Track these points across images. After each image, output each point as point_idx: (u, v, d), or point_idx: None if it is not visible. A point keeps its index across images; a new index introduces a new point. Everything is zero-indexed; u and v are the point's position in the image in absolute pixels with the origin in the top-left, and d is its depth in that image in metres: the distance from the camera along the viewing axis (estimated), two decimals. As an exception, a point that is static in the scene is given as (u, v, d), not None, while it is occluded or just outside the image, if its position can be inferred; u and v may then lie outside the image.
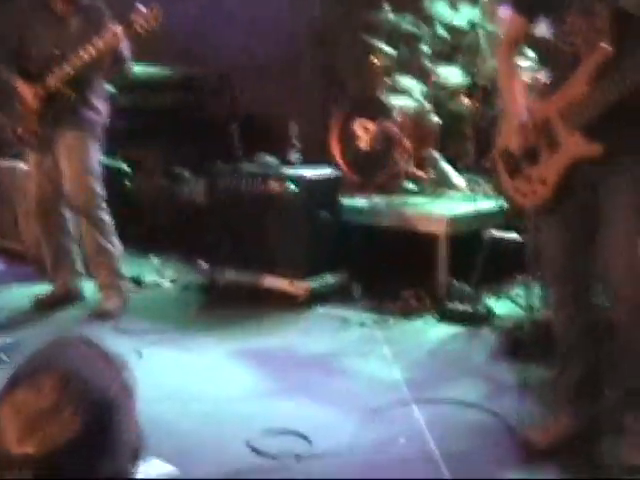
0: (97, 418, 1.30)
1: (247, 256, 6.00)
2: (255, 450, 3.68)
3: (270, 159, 6.20)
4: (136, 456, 1.41)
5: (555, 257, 3.65)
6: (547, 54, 3.80)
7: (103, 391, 1.34)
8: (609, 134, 3.27)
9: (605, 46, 3.20)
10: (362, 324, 5.44)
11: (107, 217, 5.62)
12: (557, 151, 3.43)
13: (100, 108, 5.54)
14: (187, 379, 4.57)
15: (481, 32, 6.67)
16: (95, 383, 1.34)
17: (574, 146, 3.37)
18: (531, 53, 6.10)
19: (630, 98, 3.17)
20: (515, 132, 3.55)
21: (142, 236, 7.14)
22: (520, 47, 3.91)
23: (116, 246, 5.68)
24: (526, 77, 5.75)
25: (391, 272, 6.16)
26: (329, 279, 5.93)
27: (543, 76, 5.37)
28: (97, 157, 5.57)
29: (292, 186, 5.83)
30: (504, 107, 3.79)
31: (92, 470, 1.29)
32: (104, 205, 5.59)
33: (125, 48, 5.36)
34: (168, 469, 3.44)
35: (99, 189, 5.55)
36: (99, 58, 5.25)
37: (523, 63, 6.03)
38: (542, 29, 3.75)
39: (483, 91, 6.51)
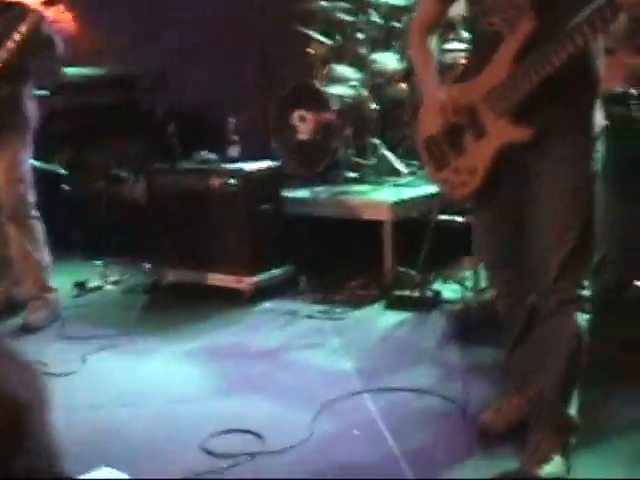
0: (9, 419, 1.29)
1: (191, 254, 5.94)
2: (208, 451, 3.63)
3: (209, 155, 6.13)
4: (52, 467, 1.39)
5: (489, 245, 3.54)
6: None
7: (15, 394, 1.32)
8: (538, 116, 3.10)
9: (527, 23, 3.01)
10: (310, 316, 5.41)
11: (38, 226, 5.46)
12: (484, 138, 3.23)
13: (29, 112, 5.39)
14: (135, 382, 4.50)
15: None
16: (7, 386, 1.32)
17: (502, 131, 3.17)
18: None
19: (556, 77, 2.98)
20: (434, 119, 3.36)
21: (83, 239, 7.04)
22: (437, 29, 3.53)
23: (44, 257, 5.50)
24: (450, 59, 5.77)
25: (337, 262, 6.16)
26: (275, 273, 5.89)
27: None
28: (27, 163, 5.39)
29: (232, 181, 5.77)
30: (422, 94, 3.50)
31: (5, 470, 1.28)
32: (34, 213, 5.42)
33: (55, 35, 5.23)
34: (120, 476, 3.38)
35: (29, 196, 5.38)
36: (26, 41, 5.08)
37: (459, 45, 6.04)
38: (457, 9, 3.57)
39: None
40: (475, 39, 3.38)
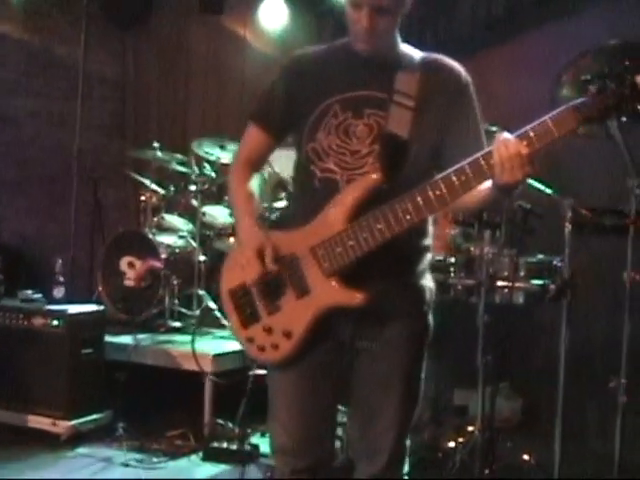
0: None
1: (9, 393, 5.77)
2: None
3: (34, 295, 6.06)
4: None
5: (289, 426, 2.92)
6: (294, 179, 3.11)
7: None
8: (372, 282, 2.71)
9: (372, 175, 2.70)
10: (126, 464, 5.31)
11: None
12: (305, 298, 2.76)
13: None
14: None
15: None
16: None
17: (328, 293, 2.72)
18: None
19: (396, 242, 2.65)
20: (249, 266, 2.81)
21: None
22: (259, 166, 3.11)
23: None
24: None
25: (156, 410, 6.10)
26: (93, 418, 5.79)
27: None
28: None
29: (55, 322, 5.72)
30: (238, 234, 2.98)
31: None
32: None
33: None
34: None
35: None
36: None
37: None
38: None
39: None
40: (303, 184, 2.95)
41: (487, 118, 2.93)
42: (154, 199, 7.19)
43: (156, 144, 7.13)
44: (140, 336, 6.45)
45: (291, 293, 2.79)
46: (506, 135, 2.46)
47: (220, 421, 5.73)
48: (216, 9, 8.39)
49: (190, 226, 7.10)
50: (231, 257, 2.99)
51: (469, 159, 2.55)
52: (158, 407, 6.15)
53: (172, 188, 7.33)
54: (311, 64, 2.93)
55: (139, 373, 6.26)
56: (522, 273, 4.88)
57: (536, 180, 4.70)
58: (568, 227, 4.52)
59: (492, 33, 6.85)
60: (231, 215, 6.93)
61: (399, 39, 2.88)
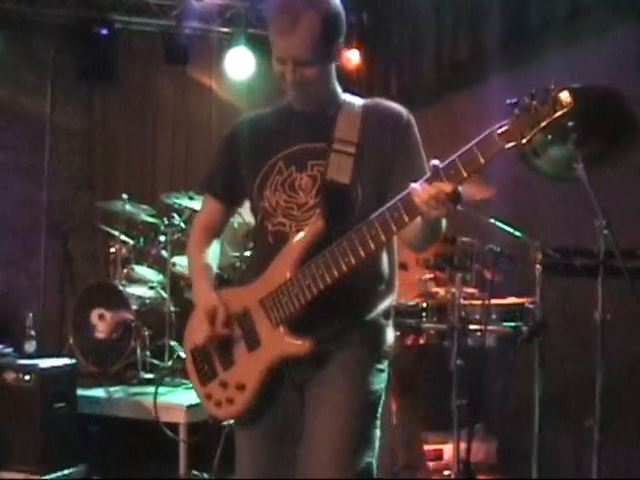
0: None
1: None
2: None
3: (5, 349, 6.03)
4: None
5: (252, 472, 2.92)
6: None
7: None
8: (320, 329, 2.75)
9: (315, 223, 2.75)
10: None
11: None
12: (257, 350, 2.80)
13: None
14: None
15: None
16: None
17: (277, 344, 2.75)
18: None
19: (342, 287, 2.68)
20: (203, 326, 2.85)
21: None
22: (218, 232, 3.14)
23: None
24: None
25: (131, 463, 6.05)
26: (66, 473, 5.72)
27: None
28: None
29: (27, 377, 5.67)
30: (194, 298, 3.00)
31: None
32: None
33: None
34: None
35: None
36: None
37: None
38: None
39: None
40: (257, 241, 3.01)
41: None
42: (124, 250, 7.18)
43: (125, 196, 7.13)
44: (112, 389, 6.41)
45: (243, 347, 2.83)
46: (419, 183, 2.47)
47: (195, 472, 5.69)
48: (181, 59, 8.45)
49: (160, 277, 7.09)
50: (191, 319, 3.02)
51: (401, 195, 2.56)
52: (133, 460, 6.10)
53: (142, 239, 7.33)
54: (253, 128, 3.01)
55: (113, 426, 6.22)
56: (494, 316, 4.89)
57: (505, 223, 4.74)
58: (538, 269, 4.54)
59: (457, 77, 6.93)
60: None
61: (338, 88, 2.94)
